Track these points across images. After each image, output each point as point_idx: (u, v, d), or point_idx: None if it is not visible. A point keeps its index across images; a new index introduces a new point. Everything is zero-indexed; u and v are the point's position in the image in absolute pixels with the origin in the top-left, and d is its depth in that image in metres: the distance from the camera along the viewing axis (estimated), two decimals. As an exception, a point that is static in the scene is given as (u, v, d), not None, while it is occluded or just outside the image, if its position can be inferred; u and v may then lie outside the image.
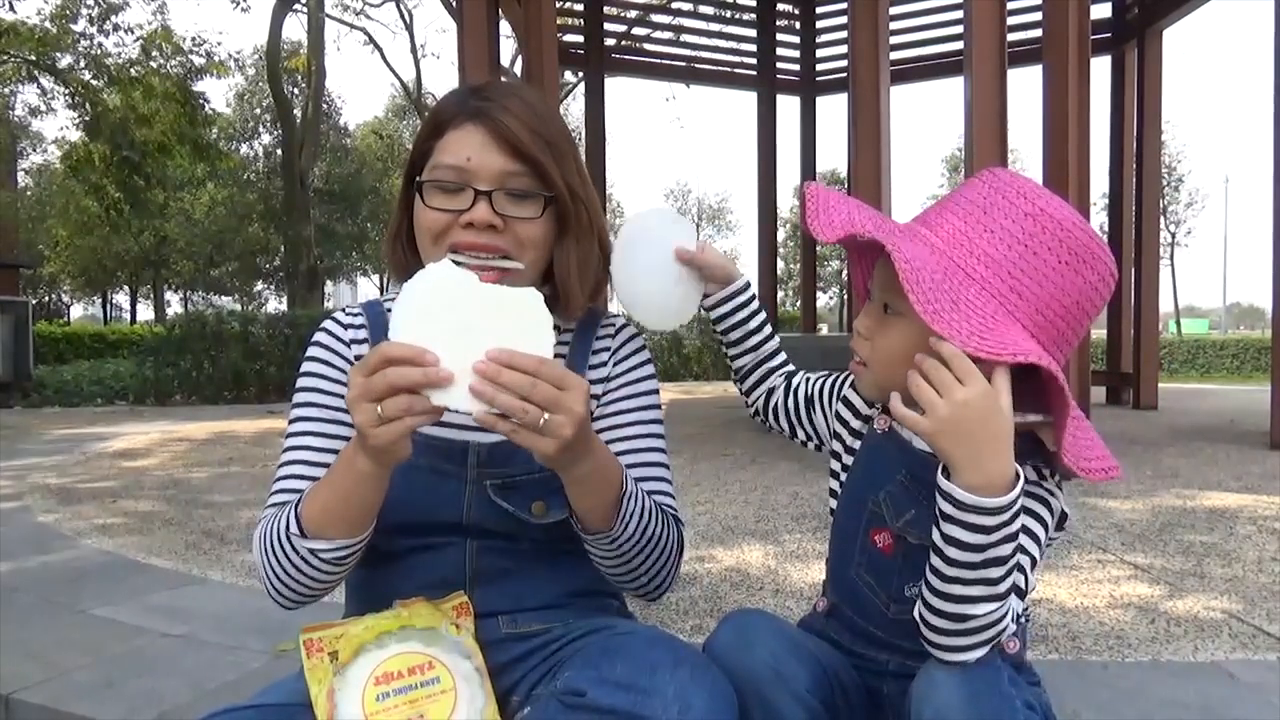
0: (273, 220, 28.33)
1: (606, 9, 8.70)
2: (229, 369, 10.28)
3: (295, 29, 25.59)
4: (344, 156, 31.98)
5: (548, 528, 1.07)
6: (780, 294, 11.82)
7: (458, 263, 0.98)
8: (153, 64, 15.53)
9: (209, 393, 10.20)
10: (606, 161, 8.74)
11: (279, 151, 25.99)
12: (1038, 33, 5.92)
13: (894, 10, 7.28)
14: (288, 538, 0.98)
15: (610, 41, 8.90)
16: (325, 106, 28.14)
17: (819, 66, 9.11)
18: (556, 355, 1.15)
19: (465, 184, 1.03)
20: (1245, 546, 2.76)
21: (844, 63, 8.26)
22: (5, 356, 10.16)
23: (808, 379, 1.24)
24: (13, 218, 22.02)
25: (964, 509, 0.83)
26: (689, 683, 0.86)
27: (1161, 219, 8.86)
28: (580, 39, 8.58)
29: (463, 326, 0.87)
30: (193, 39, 16.39)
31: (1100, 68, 7.18)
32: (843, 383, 1.19)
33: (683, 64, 9.37)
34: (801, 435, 1.23)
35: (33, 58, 14.09)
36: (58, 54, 14.67)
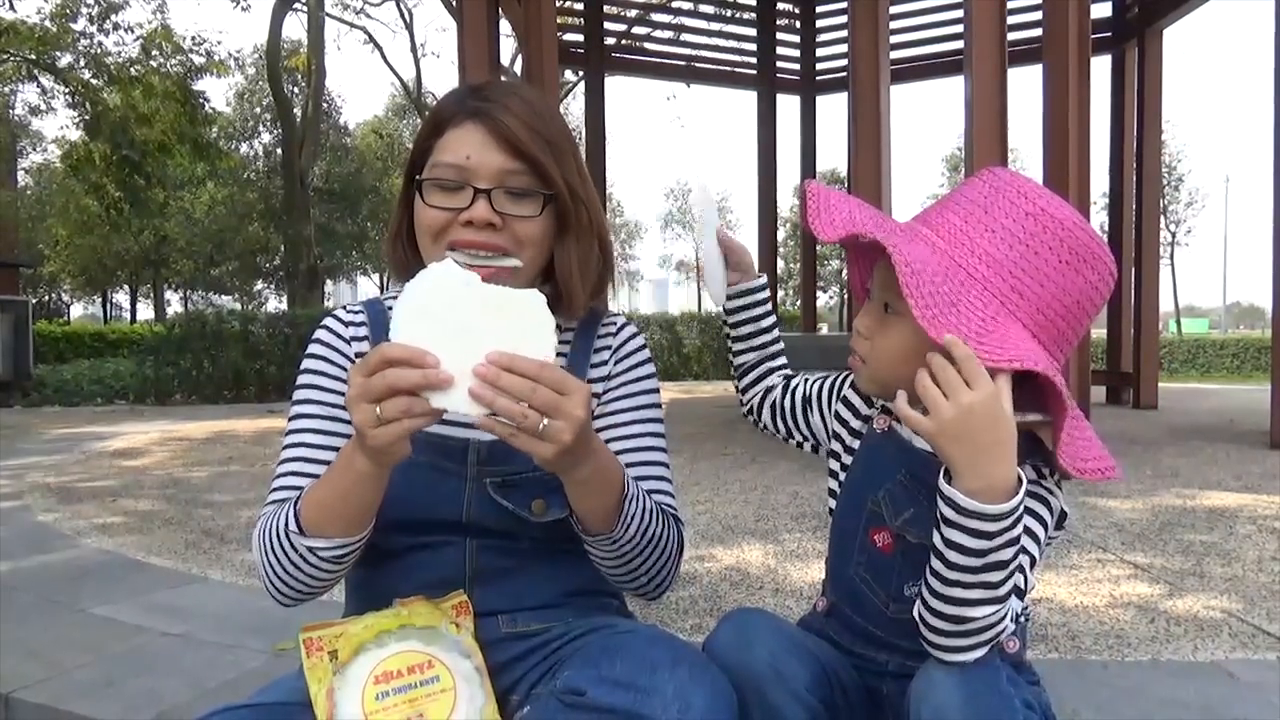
0: (273, 219, 28.32)
1: (607, 8, 8.70)
2: (229, 368, 10.29)
3: (295, 28, 25.61)
4: (344, 155, 31.96)
5: (547, 526, 1.07)
6: (780, 293, 11.83)
7: (456, 261, 0.98)
8: (153, 63, 15.52)
9: (209, 392, 10.20)
10: (606, 161, 8.74)
11: (279, 150, 25.99)
12: (1038, 32, 5.92)
13: (894, 9, 7.27)
14: (287, 535, 0.98)
15: (610, 41, 8.90)
16: (325, 105, 28.12)
17: (819, 66, 9.11)
18: (557, 355, 1.16)
19: (465, 182, 1.04)
20: (1245, 546, 2.76)
21: (844, 62, 8.25)
22: (5, 356, 10.16)
23: (806, 380, 1.24)
24: (13, 217, 22.01)
25: (965, 514, 0.83)
26: (689, 682, 0.86)
27: (1161, 218, 8.86)
28: (580, 38, 8.58)
29: (464, 327, 0.86)
30: (193, 38, 16.38)
31: (1100, 67, 7.18)
32: (842, 383, 1.19)
33: (683, 63, 9.37)
34: (797, 437, 1.23)
35: (33, 57, 14.08)
36: (58, 53, 14.66)
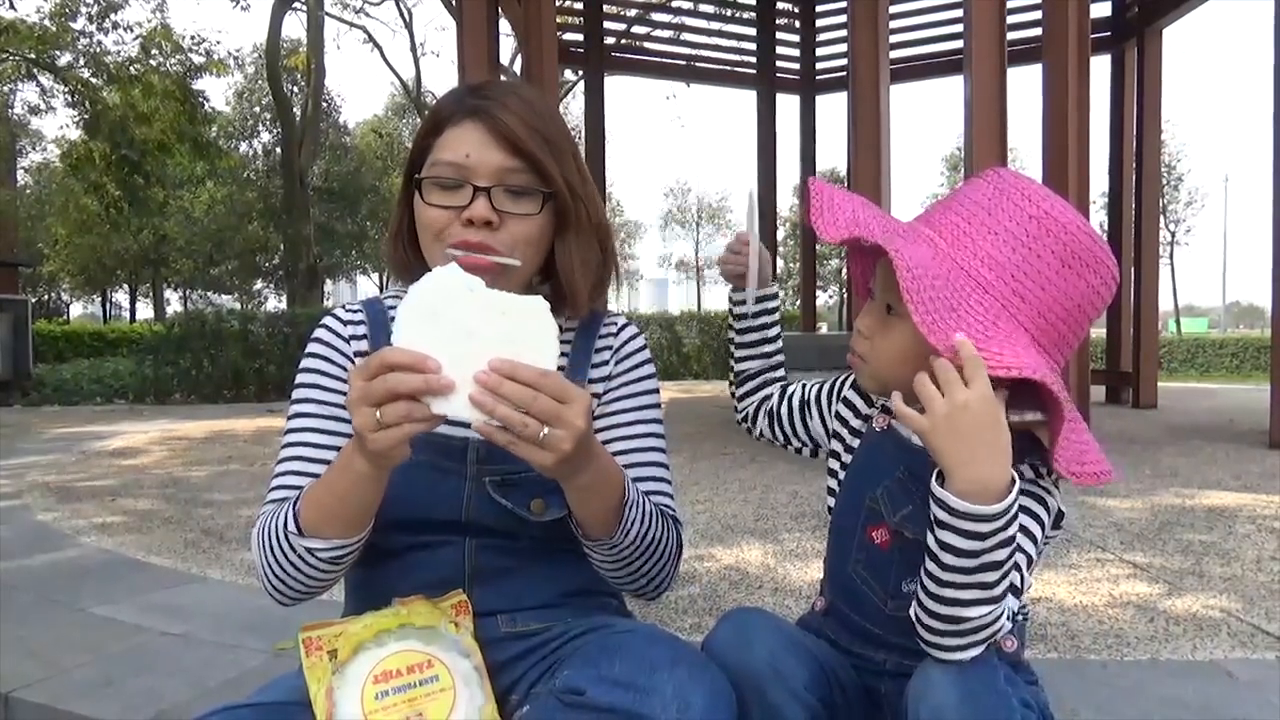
0: (272, 219, 28.30)
1: (606, 8, 8.70)
2: (228, 367, 10.29)
3: (295, 27, 25.60)
4: (343, 155, 31.93)
5: (547, 526, 1.07)
6: (780, 293, 11.82)
7: (456, 259, 0.98)
8: (152, 62, 15.52)
9: (208, 391, 10.21)
10: (606, 160, 8.74)
11: (278, 150, 25.95)
12: (1037, 31, 5.92)
13: (894, 9, 7.27)
14: (285, 536, 0.98)
15: (610, 40, 8.90)
16: (325, 105, 28.11)
17: (819, 65, 9.11)
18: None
19: (464, 180, 1.04)
20: (1244, 545, 2.77)
21: (844, 61, 8.25)
22: (5, 355, 10.16)
23: (803, 385, 1.25)
24: (12, 216, 21.98)
25: (957, 515, 0.82)
26: (688, 681, 0.86)
27: (1161, 218, 8.87)
28: (580, 37, 8.58)
29: (466, 332, 0.86)
30: (192, 37, 16.38)
31: (1100, 66, 7.18)
32: (843, 383, 1.19)
33: (683, 63, 9.36)
34: (795, 443, 1.24)
35: (32, 56, 14.08)
36: (57, 52, 14.67)
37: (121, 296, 40.25)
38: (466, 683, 0.96)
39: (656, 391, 1.22)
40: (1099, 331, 8.26)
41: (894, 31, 7.16)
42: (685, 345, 14.18)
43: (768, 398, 1.27)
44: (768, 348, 1.27)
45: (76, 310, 47.72)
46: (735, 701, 0.90)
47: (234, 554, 2.86)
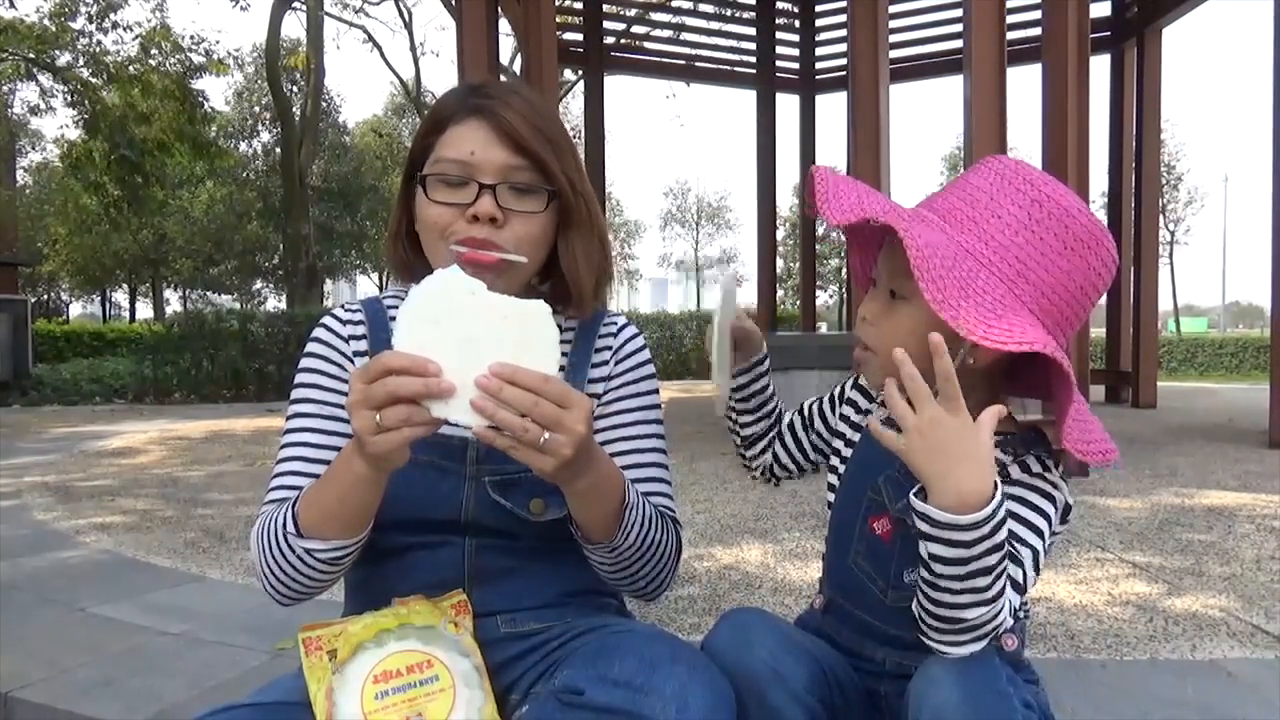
0: (272, 218, 28.29)
1: (606, 7, 8.70)
2: (228, 367, 10.29)
3: (294, 27, 25.59)
4: (343, 154, 31.90)
5: (546, 526, 1.07)
6: (780, 293, 11.82)
7: (461, 255, 0.99)
8: (152, 62, 15.51)
9: (208, 391, 10.21)
10: (606, 160, 8.74)
11: (278, 149, 25.92)
12: (1037, 31, 5.92)
13: (893, 8, 7.27)
14: (284, 536, 0.98)
15: (610, 40, 8.90)
16: (324, 104, 28.10)
17: (818, 65, 9.12)
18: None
19: (469, 178, 1.04)
20: (1243, 545, 2.77)
21: (843, 61, 8.26)
22: (4, 355, 10.16)
23: (800, 407, 1.26)
24: (12, 216, 21.99)
25: (940, 527, 0.82)
26: (687, 681, 0.86)
27: (1161, 217, 8.87)
28: (580, 37, 8.58)
29: (467, 336, 0.86)
30: (191, 37, 16.37)
31: (1100, 66, 7.19)
32: (845, 386, 1.20)
33: (682, 62, 9.36)
34: (808, 466, 1.27)
35: (31, 55, 14.07)
36: (57, 51, 14.65)
37: (121, 296, 40.27)
38: (466, 683, 0.96)
39: (656, 392, 1.22)
40: (1099, 331, 8.27)
41: (894, 31, 7.16)
42: (685, 345, 14.17)
43: (773, 441, 1.28)
44: (767, 406, 1.27)
45: (76, 310, 47.72)
46: (734, 702, 0.90)
47: (234, 554, 2.86)
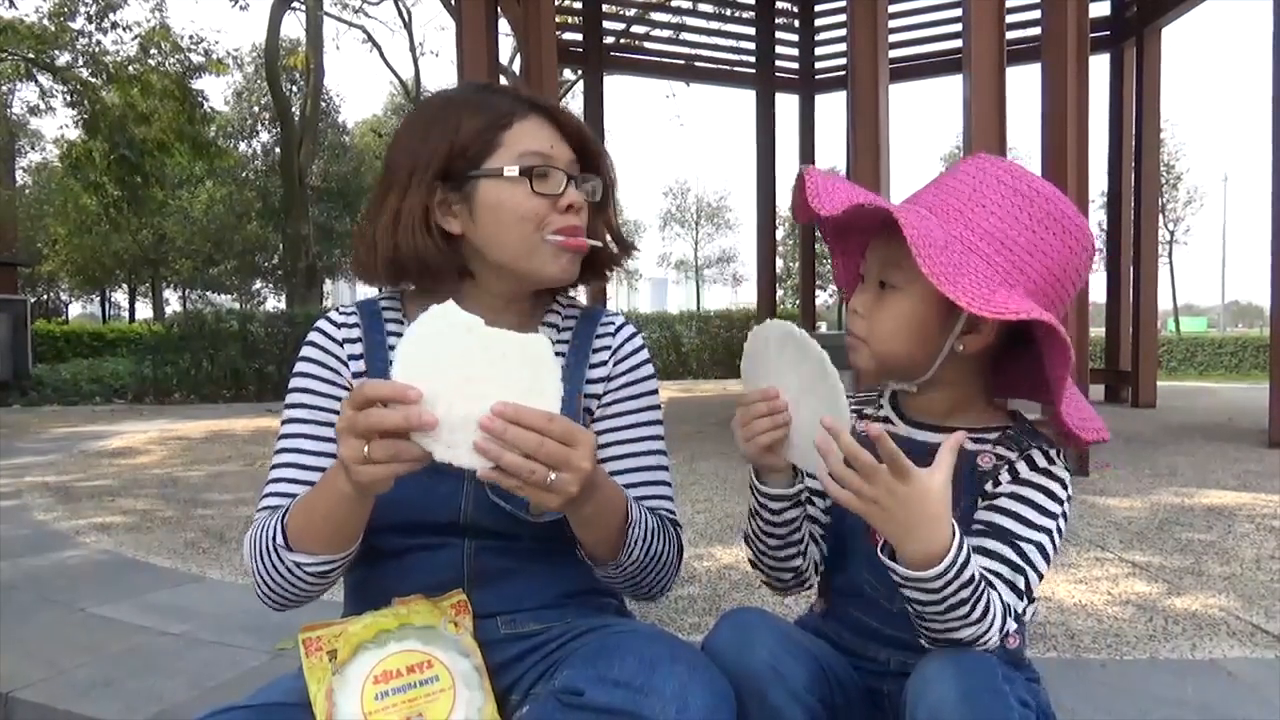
0: (271, 218, 28.27)
1: (606, 7, 8.70)
2: (227, 367, 10.29)
3: (294, 27, 25.56)
4: (342, 154, 31.88)
5: (545, 527, 1.07)
6: (780, 292, 11.82)
7: (559, 244, 1.07)
8: (151, 62, 15.51)
9: (207, 391, 10.20)
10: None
11: (277, 149, 25.93)
12: (1037, 31, 5.92)
13: (893, 8, 7.27)
14: (274, 548, 0.99)
15: (609, 40, 8.90)
16: (324, 104, 28.07)
17: (818, 64, 9.11)
18: (556, 354, 1.16)
19: (561, 170, 1.08)
20: (1243, 544, 2.77)
21: (843, 60, 8.25)
22: (4, 355, 10.15)
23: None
24: (11, 216, 21.98)
25: (908, 581, 0.88)
26: (687, 681, 0.86)
27: (1160, 217, 8.87)
28: (579, 37, 8.57)
29: (467, 375, 0.84)
30: (191, 37, 16.38)
31: (1099, 66, 7.18)
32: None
33: (682, 62, 9.36)
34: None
35: (31, 55, 14.06)
36: (56, 51, 14.65)
37: (120, 296, 40.23)
38: (466, 683, 0.96)
39: (656, 393, 1.22)
40: (1099, 331, 8.26)
41: (893, 31, 7.15)
42: (685, 345, 14.16)
43: (804, 525, 1.11)
44: (801, 531, 1.09)
45: (75, 310, 47.68)
46: (735, 702, 0.90)
47: (233, 554, 2.86)
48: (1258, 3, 5.99)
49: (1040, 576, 0.97)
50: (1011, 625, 0.93)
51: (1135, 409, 7.15)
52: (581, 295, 1.29)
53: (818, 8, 9.00)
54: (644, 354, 1.21)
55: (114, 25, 15.63)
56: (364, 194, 30.24)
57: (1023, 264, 0.96)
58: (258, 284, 35.00)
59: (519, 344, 0.87)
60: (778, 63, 9.11)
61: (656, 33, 9.52)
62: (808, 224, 1.09)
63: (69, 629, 2.15)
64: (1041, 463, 1.00)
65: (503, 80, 11.59)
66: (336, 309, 1.19)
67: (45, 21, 14.72)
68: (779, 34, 9.18)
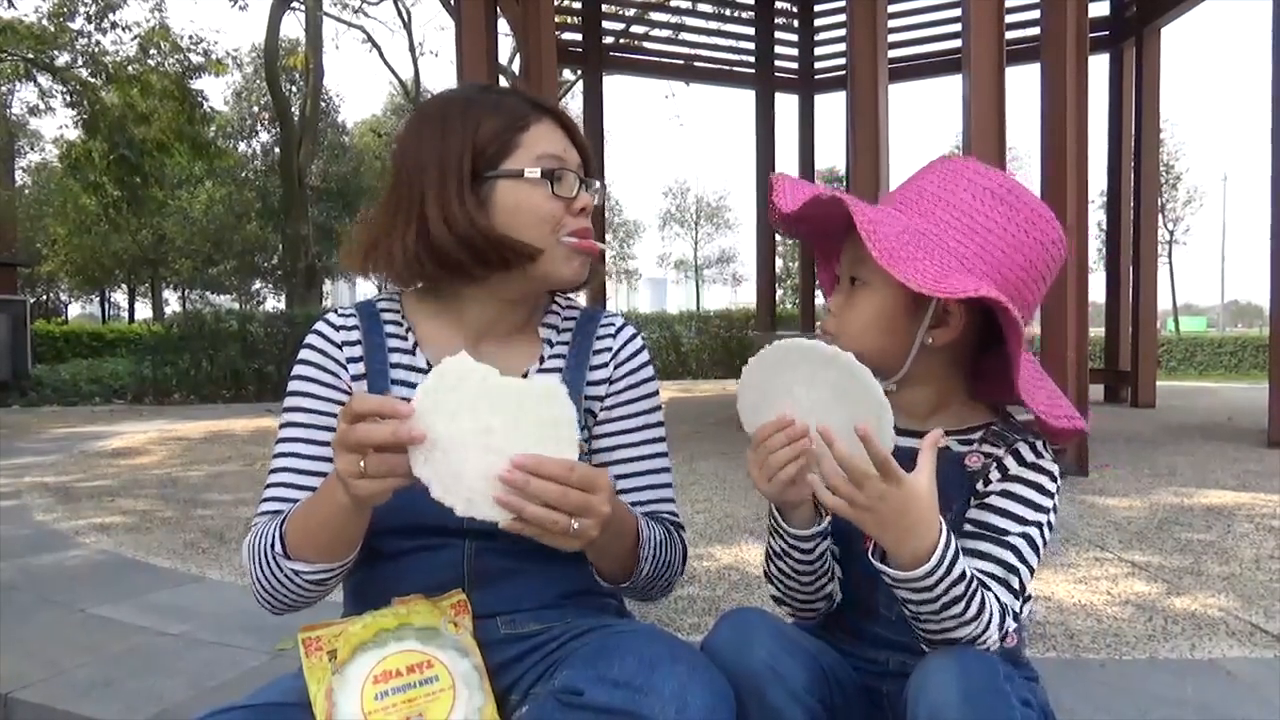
0: (271, 218, 28.26)
1: (605, 7, 8.70)
2: (227, 368, 10.28)
3: (293, 27, 25.56)
4: (342, 155, 31.86)
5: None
6: (780, 293, 11.82)
7: (573, 246, 1.08)
8: (150, 62, 15.50)
9: (207, 391, 10.20)
10: (605, 159, 8.74)
11: (277, 150, 25.93)
12: (1036, 31, 5.92)
13: (892, 8, 7.27)
14: (272, 556, 0.99)
15: (609, 40, 8.89)
16: (323, 104, 28.05)
17: (817, 64, 9.10)
18: (554, 355, 1.16)
19: (574, 173, 1.10)
20: (1243, 544, 2.77)
21: (842, 60, 8.25)
22: (3, 355, 10.14)
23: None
24: (11, 216, 21.96)
25: (900, 582, 0.89)
26: (686, 681, 0.86)
27: (1160, 217, 8.87)
28: (579, 37, 8.57)
29: (485, 427, 0.84)
30: (190, 37, 16.36)
31: (1099, 66, 7.19)
32: None
33: (681, 62, 9.35)
34: None
35: (30, 56, 14.05)
36: (55, 52, 14.64)
37: (120, 296, 40.21)
38: (466, 683, 0.96)
39: (657, 395, 1.22)
40: (1098, 330, 8.26)
41: (893, 31, 7.15)
42: (684, 345, 14.16)
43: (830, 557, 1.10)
44: (827, 565, 1.08)
45: (75, 310, 47.65)
46: (734, 702, 0.90)
47: (233, 554, 2.86)
48: (1258, 3, 6.00)
49: (1032, 571, 0.98)
50: (1011, 625, 0.94)
51: (1135, 409, 7.15)
52: (580, 296, 1.29)
53: (817, 8, 9.00)
54: (645, 355, 1.21)
55: (113, 25, 15.62)
56: (364, 194, 30.28)
57: (985, 252, 0.98)
58: (257, 284, 34.98)
59: (534, 392, 0.87)
60: (777, 63, 9.11)
61: (656, 33, 9.52)
62: (785, 229, 1.10)
63: (69, 629, 2.15)
64: (1029, 456, 1.01)
65: (502, 81, 11.58)
66: (335, 310, 1.19)
67: (45, 22, 14.70)
68: (778, 34, 9.17)
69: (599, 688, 0.85)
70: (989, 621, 0.91)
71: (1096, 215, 15.95)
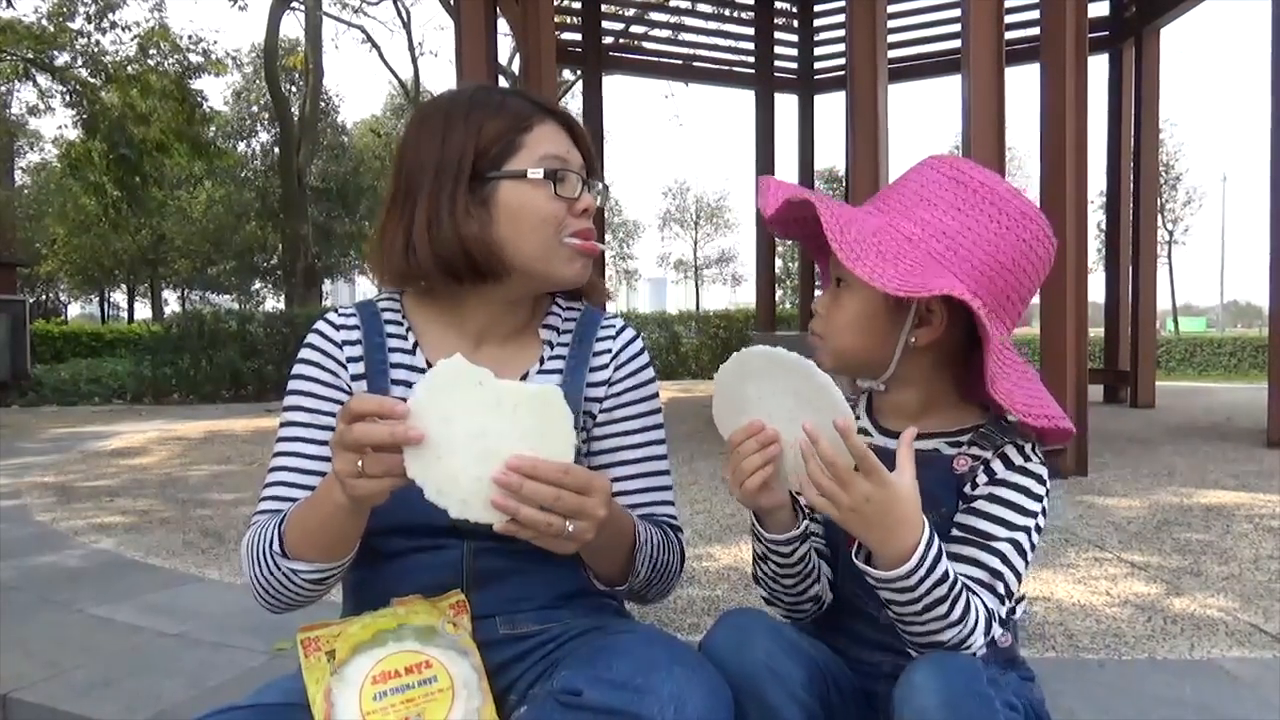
0: (270, 218, 28.28)
1: (604, 7, 8.70)
2: (226, 368, 10.28)
3: (293, 27, 25.57)
4: (341, 155, 31.84)
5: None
6: (779, 293, 11.82)
7: (577, 248, 1.08)
8: (150, 62, 15.50)
9: (206, 391, 10.20)
10: (605, 159, 8.74)
11: (276, 150, 25.93)
12: (1035, 31, 5.92)
13: (892, 8, 7.26)
14: (270, 555, 1.00)
15: (608, 40, 8.89)
16: (323, 104, 28.03)
17: (817, 65, 9.10)
18: (554, 357, 1.16)
19: (577, 174, 1.09)
20: (1242, 544, 2.77)
21: (842, 61, 8.25)
22: (3, 355, 10.15)
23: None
24: (10, 216, 21.94)
25: (881, 583, 0.90)
26: (685, 682, 0.86)
27: (1159, 217, 8.87)
28: (578, 37, 8.57)
29: (480, 430, 0.84)
30: (190, 37, 16.36)
31: (1098, 66, 7.19)
32: None
33: (680, 62, 9.35)
34: None
35: (30, 55, 14.04)
36: (55, 52, 14.63)
37: (119, 297, 40.19)
38: (465, 683, 0.96)
39: (657, 397, 1.22)
40: (1097, 331, 8.27)
41: (892, 31, 7.15)
42: (684, 345, 14.15)
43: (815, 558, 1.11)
44: (811, 566, 1.08)
45: (74, 310, 47.63)
46: (732, 702, 0.90)
47: (232, 554, 2.86)
48: (1257, 3, 6.00)
49: (1019, 576, 0.98)
50: (997, 630, 0.94)
51: (1134, 409, 7.15)
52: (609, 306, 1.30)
53: (817, 8, 9.00)
54: (645, 358, 1.21)
55: (113, 25, 15.61)
56: (363, 194, 30.28)
57: (965, 251, 0.98)
58: (257, 284, 34.98)
59: (530, 395, 0.87)
60: (776, 63, 9.11)
61: (655, 33, 9.52)
62: (780, 232, 1.11)
63: (68, 629, 2.15)
64: (1017, 460, 1.01)
65: (502, 81, 11.58)
66: (335, 310, 1.19)
67: (44, 22, 14.70)
68: (778, 34, 9.18)
69: (597, 688, 0.85)
70: (974, 625, 0.91)
71: (1096, 215, 15.94)
